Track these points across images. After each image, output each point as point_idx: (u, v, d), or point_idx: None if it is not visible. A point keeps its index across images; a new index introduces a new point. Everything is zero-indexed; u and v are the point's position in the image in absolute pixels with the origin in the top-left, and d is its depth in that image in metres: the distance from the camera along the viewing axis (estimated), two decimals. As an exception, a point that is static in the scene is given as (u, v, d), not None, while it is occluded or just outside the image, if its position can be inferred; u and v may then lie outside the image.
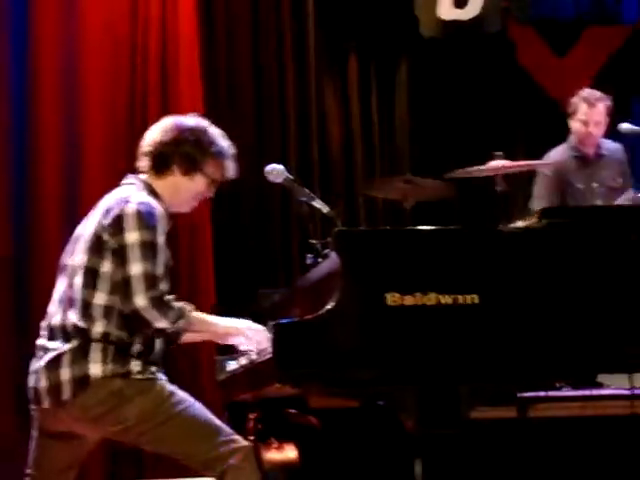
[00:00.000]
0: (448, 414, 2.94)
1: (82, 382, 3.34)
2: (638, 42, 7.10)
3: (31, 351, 3.54)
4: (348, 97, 6.88)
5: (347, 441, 4.10)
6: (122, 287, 3.37)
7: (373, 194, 6.43)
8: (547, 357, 3.04)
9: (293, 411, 4.36)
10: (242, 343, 3.55)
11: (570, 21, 7.02)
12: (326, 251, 3.56)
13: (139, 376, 3.38)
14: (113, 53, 5.97)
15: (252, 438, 4.43)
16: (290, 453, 4.38)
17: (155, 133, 3.68)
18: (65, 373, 3.36)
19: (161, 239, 3.44)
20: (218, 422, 3.42)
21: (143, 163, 3.67)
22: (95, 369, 3.35)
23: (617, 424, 4.35)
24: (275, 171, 3.93)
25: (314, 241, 3.74)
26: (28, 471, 3.54)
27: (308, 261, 3.78)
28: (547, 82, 7.05)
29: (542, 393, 4.28)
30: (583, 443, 4.42)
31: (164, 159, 3.62)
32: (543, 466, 4.40)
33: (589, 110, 5.81)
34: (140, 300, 3.33)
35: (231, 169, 3.71)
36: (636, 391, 4.14)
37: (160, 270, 3.40)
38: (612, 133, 5.90)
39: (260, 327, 3.52)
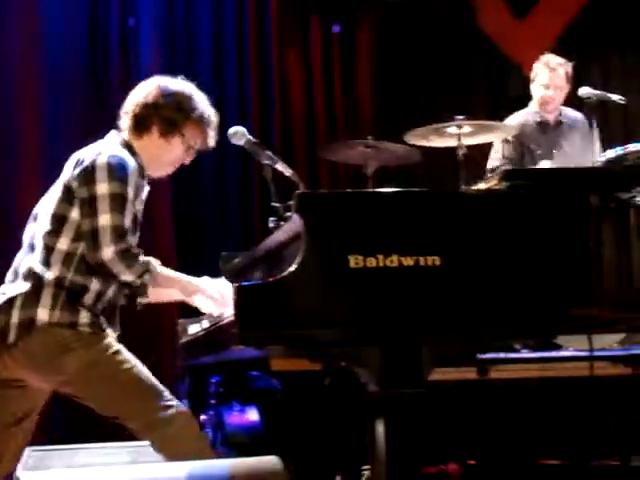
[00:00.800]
0: (411, 374, 2.96)
1: (28, 325, 3.35)
2: (598, 5, 7.13)
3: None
4: (310, 60, 6.86)
5: (310, 403, 4.12)
6: (89, 238, 3.36)
7: (335, 158, 6.42)
8: (507, 318, 3.07)
9: (255, 374, 4.37)
10: (205, 305, 3.55)
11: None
12: (288, 214, 3.55)
13: (87, 329, 3.38)
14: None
15: (214, 401, 4.44)
16: (252, 416, 4.39)
17: (138, 93, 3.67)
18: (15, 316, 3.37)
19: (130, 192, 3.43)
20: (160, 386, 3.41)
21: (123, 122, 3.66)
22: (42, 314, 3.35)
23: (576, 386, 4.39)
24: (238, 133, 3.90)
25: (276, 204, 3.74)
26: None
27: (270, 224, 3.78)
28: (507, 45, 7.07)
29: (502, 355, 4.31)
30: (543, 404, 4.47)
31: (144, 119, 3.62)
32: (503, 427, 4.45)
33: (550, 74, 5.85)
34: (107, 252, 3.32)
35: (212, 137, 3.71)
36: (595, 353, 4.18)
37: (128, 222, 3.39)
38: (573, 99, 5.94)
39: (226, 284, 3.52)
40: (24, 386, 3.49)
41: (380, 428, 2.98)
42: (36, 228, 3.52)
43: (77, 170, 3.44)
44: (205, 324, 3.64)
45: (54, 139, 5.70)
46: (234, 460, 3.20)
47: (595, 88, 5.70)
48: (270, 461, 3.10)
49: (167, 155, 3.67)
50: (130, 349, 3.47)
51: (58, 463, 4.28)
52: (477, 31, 7.17)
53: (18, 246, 3.60)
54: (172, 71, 5.99)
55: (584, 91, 5.63)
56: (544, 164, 5.63)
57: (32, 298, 3.38)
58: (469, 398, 4.42)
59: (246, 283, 2.96)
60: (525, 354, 4.53)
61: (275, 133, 6.59)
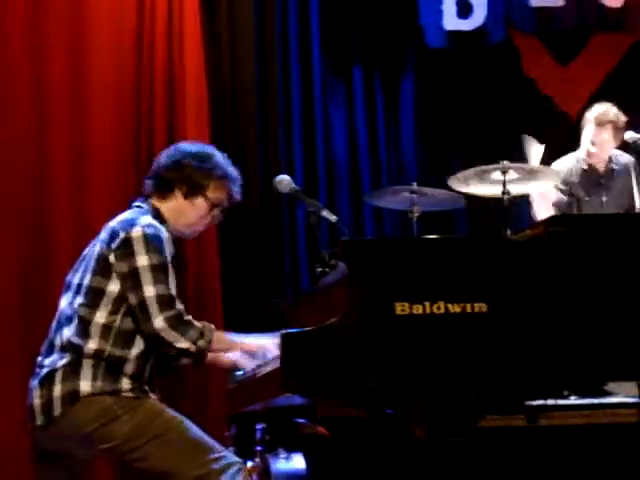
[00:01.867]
0: (459, 422, 2.95)
1: (72, 398, 3.38)
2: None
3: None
4: (354, 108, 6.89)
5: (356, 450, 4.10)
6: (139, 311, 3.40)
7: (380, 205, 6.44)
8: (555, 365, 3.05)
9: (302, 421, 4.36)
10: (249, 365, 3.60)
11: (574, 30, 7.02)
12: (333, 261, 3.57)
13: (129, 394, 3.42)
14: (119, 61, 6.00)
15: (260, 449, 4.43)
16: (298, 463, 4.38)
17: (161, 158, 3.77)
18: (57, 390, 3.40)
19: (169, 259, 3.48)
20: (209, 439, 3.45)
21: (148, 187, 3.74)
22: (85, 385, 3.38)
23: (625, 432, 4.34)
24: (284, 182, 3.95)
25: (322, 251, 3.75)
26: None
27: (317, 271, 3.79)
28: (553, 91, 7.06)
29: (551, 402, 4.28)
30: (592, 451, 4.42)
31: (167, 182, 3.69)
32: (552, 474, 4.40)
33: (597, 130, 5.82)
34: (158, 322, 3.36)
35: (235, 193, 3.77)
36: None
37: (174, 290, 3.44)
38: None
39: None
40: (67, 457, 3.53)
41: (429, 476, 2.96)
42: (71, 299, 3.56)
43: (114, 243, 3.49)
44: (251, 371, 3.65)
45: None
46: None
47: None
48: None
49: (192, 216, 3.72)
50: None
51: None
52: (522, 77, 7.17)
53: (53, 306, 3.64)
54: (218, 121, 6.18)
55: (629, 135, 5.62)
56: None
57: (72, 371, 3.41)
58: (518, 445, 4.38)
59: (292, 331, 2.97)
60: (574, 400, 4.49)
61: (321, 181, 6.61)
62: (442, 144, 6.99)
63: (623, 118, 5.84)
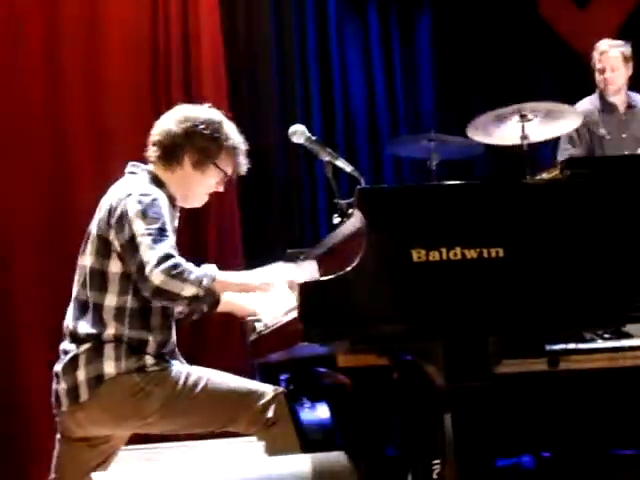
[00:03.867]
0: (477, 367, 2.94)
1: (97, 381, 3.35)
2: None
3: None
4: (370, 54, 6.87)
5: (378, 399, 4.11)
6: (138, 273, 3.28)
7: (398, 153, 6.41)
8: (573, 307, 3.04)
9: (323, 370, 4.37)
10: (264, 318, 3.58)
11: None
12: (351, 210, 3.55)
13: (154, 368, 3.39)
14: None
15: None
16: (323, 413, 4.40)
17: (167, 123, 3.61)
18: (81, 374, 3.37)
19: (167, 225, 3.37)
20: (243, 383, 3.44)
21: (152, 152, 3.60)
22: (109, 367, 3.35)
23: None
24: (298, 131, 3.92)
25: (339, 200, 3.74)
26: (52, 476, 3.53)
27: (335, 221, 3.78)
28: (569, 34, 7.00)
29: (571, 345, 4.27)
30: (614, 394, 4.42)
31: (175, 151, 3.56)
32: (576, 418, 4.41)
33: (602, 57, 5.93)
34: (155, 277, 3.23)
35: (243, 165, 3.67)
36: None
37: (171, 250, 3.31)
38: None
39: (291, 268, 3.53)
40: (96, 440, 3.51)
41: (448, 422, 2.97)
42: (81, 282, 3.49)
43: (112, 220, 3.39)
44: (271, 322, 3.65)
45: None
46: (301, 456, 3.22)
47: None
48: (336, 457, 3.11)
49: (200, 186, 3.63)
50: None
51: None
52: (539, 20, 7.11)
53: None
54: (234, 68, 6.16)
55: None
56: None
57: (95, 354, 3.38)
58: (541, 390, 4.38)
59: (310, 280, 2.97)
60: (594, 344, 4.47)
61: (339, 130, 6.59)
62: (460, 90, 6.94)
63: (627, 48, 5.94)
